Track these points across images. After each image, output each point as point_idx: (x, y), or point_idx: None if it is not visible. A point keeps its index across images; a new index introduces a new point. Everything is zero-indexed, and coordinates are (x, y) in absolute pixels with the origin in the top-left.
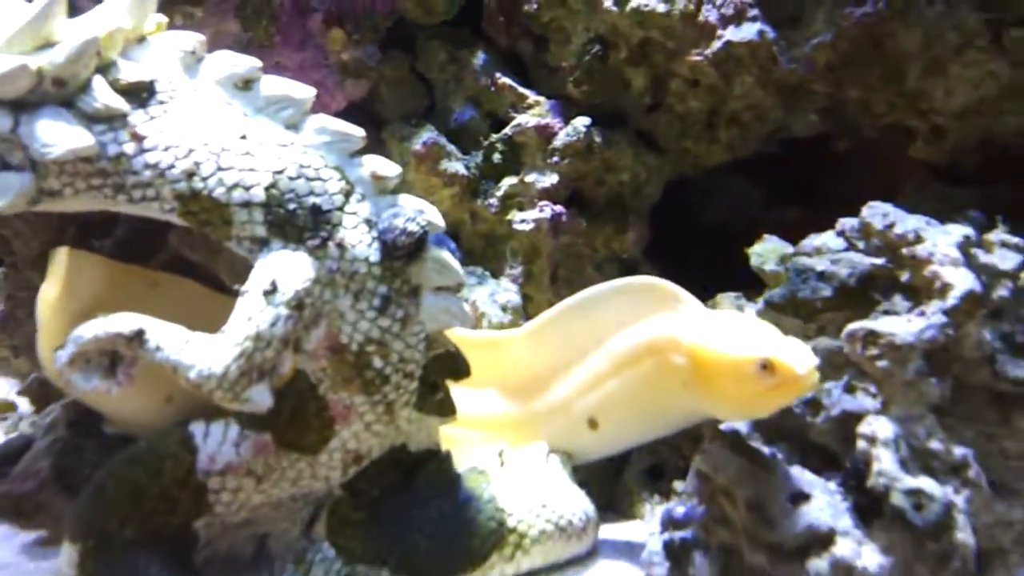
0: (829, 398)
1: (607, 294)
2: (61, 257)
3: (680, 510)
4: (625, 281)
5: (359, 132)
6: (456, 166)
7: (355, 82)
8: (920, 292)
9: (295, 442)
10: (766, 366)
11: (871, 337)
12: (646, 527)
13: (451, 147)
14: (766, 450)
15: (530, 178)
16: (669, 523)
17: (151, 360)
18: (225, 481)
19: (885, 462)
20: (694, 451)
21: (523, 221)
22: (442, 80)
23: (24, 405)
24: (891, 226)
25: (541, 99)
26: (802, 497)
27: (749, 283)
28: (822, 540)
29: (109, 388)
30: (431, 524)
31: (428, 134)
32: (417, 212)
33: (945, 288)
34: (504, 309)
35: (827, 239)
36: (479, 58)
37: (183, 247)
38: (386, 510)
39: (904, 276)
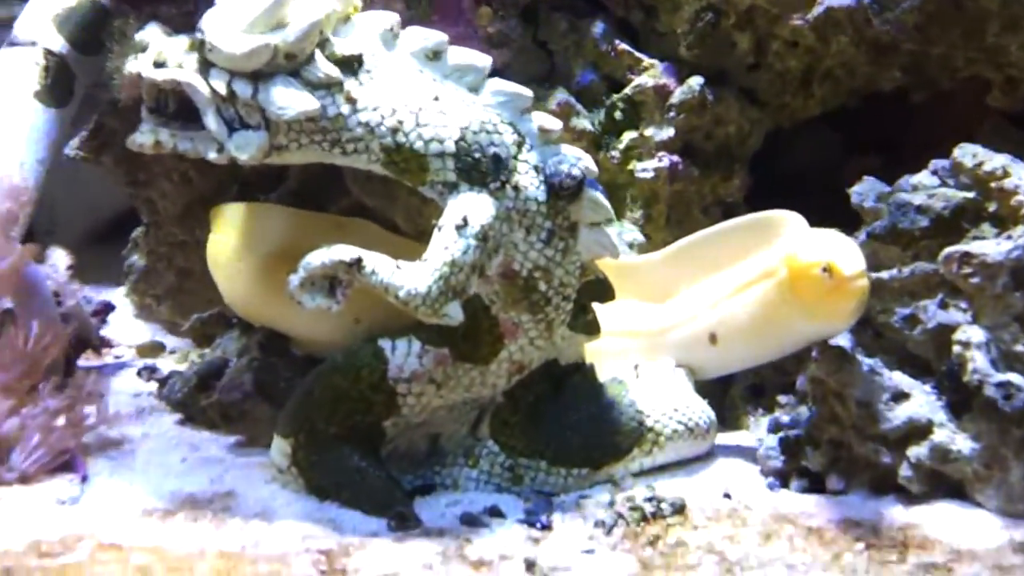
0: (925, 313)
1: (737, 225)
2: (233, 211)
3: (785, 418)
4: (753, 216)
5: (528, 92)
6: (584, 123)
7: (499, 52)
8: (1006, 220)
9: (470, 354)
10: (827, 269)
11: (965, 258)
12: (752, 436)
13: (579, 106)
14: (869, 361)
15: (649, 132)
16: (777, 427)
17: (367, 283)
18: (411, 387)
19: (979, 361)
20: (796, 370)
21: (644, 170)
22: (563, 47)
23: (170, 343)
24: (980, 164)
25: (655, 62)
26: (903, 396)
27: (835, 222)
28: (921, 430)
29: (330, 306)
30: (581, 423)
31: (561, 95)
32: (577, 159)
33: None
34: (631, 246)
35: (922, 177)
36: (598, 27)
37: (363, 194)
38: (541, 412)
39: (991, 207)
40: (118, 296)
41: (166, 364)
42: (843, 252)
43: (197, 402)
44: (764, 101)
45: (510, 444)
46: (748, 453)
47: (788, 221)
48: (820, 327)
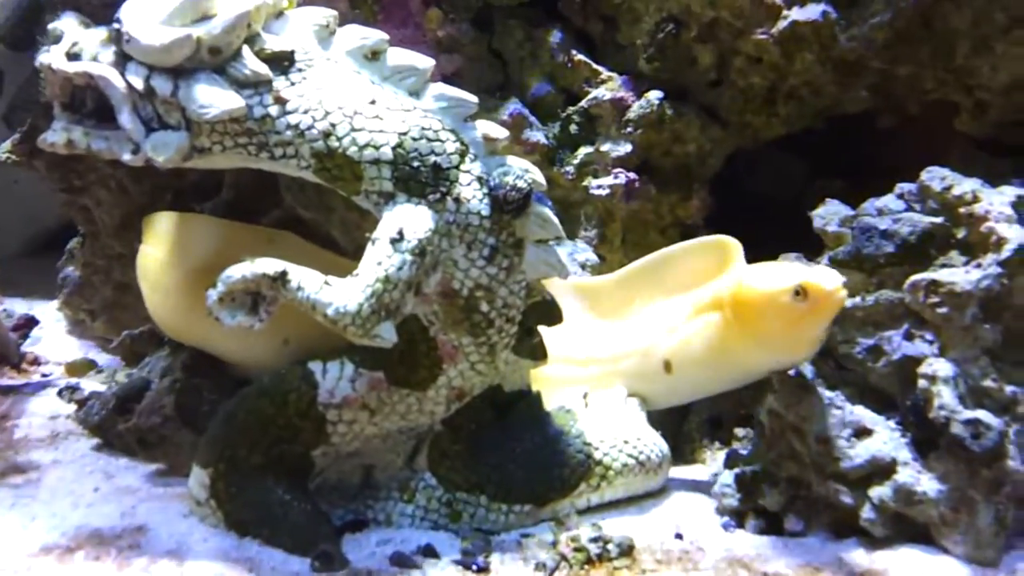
0: (889, 345)
1: (691, 248)
2: (164, 221)
3: (743, 452)
4: (703, 239)
5: (473, 99)
6: (537, 135)
7: (448, 57)
8: (975, 247)
9: (406, 379)
10: (799, 292)
11: (933, 286)
12: (708, 470)
13: (532, 118)
14: (830, 394)
15: (605, 147)
16: (735, 460)
17: (291, 299)
18: (342, 413)
19: (945, 397)
20: (754, 402)
21: (599, 187)
22: (518, 57)
23: (102, 361)
24: (949, 188)
25: (613, 75)
26: (865, 432)
27: (797, 247)
28: (884, 470)
29: (252, 324)
30: (525, 455)
31: (513, 106)
32: (524, 171)
33: (1000, 242)
34: (584, 267)
35: (888, 201)
36: (555, 36)
37: (297, 205)
38: (483, 443)
39: (960, 233)
40: (51, 310)
41: (93, 384)
42: (811, 271)
43: (115, 426)
44: (726, 119)
45: (448, 477)
46: (703, 489)
47: (736, 248)
48: (782, 358)
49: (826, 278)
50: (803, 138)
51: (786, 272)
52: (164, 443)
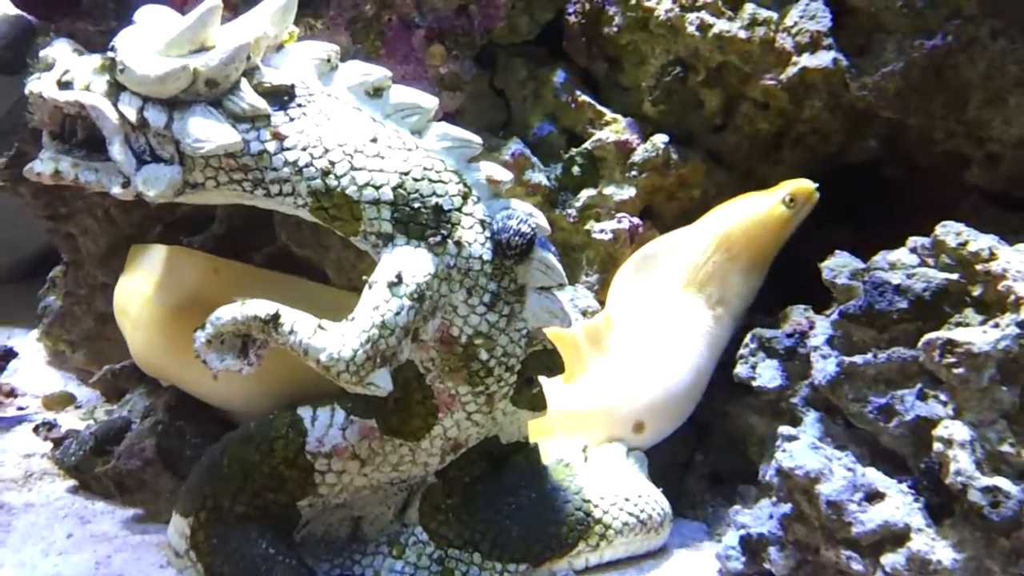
0: (902, 404)
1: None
2: (152, 253)
3: (747, 513)
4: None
5: (477, 139)
6: (539, 177)
7: (451, 95)
8: (992, 306)
9: (399, 428)
10: (792, 199)
11: (948, 346)
12: (709, 528)
13: (534, 159)
14: (839, 454)
15: (608, 191)
16: (738, 521)
17: (283, 343)
18: (331, 463)
19: (962, 462)
20: (760, 457)
21: (602, 231)
22: (521, 96)
23: (82, 395)
24: (964, 244)
25: (618, 116)
26: (877, 495)
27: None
28: (897, 536)
29: (241, 368)
30: (521, 512)
31: (516, 146)
32: (527, 215)
33: (1020, 302)
34: (585, 314)
35: (901, 255)
36: (559, 76)
37: (291, 242)
38: (477, 497)
39: (976, 291)
40: (31, 340)
41: (71, 419)
42: (785, 183)
43: (93, 467)
44: (731, 164)
45: (441, 532)
46: (705, 549)
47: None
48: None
49: (804, 182)
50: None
51: (766, 193)
52: (144, 488)
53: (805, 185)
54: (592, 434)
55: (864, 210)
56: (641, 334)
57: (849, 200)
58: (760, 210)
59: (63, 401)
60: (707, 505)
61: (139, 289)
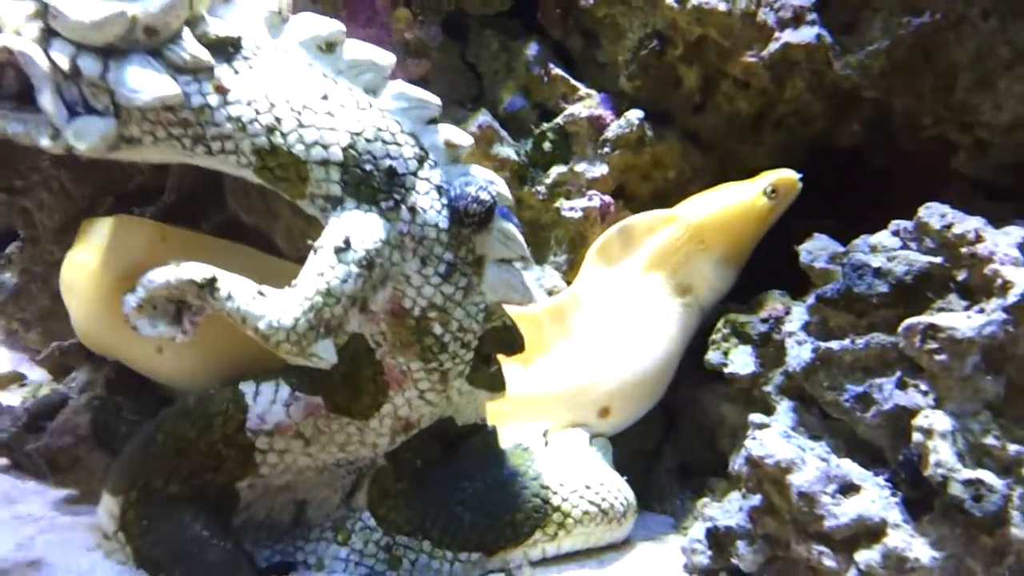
0: (880, 393)
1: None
2: (100, 226)
3: (715, 505)
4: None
5: (435, 100)
6: (508, 151)
7: (416, 62)
8: (976, 291)
9: (347, 406)
10: (775, 190)
11: (930, 331)
12: (676, 521)
13: (503, 132)
14: (812, 444)
15: (580, 167)
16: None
17: (220, 310)
18: (273, 442)
19: (943, 453)
20: (731, 448)
21: (571, 209)
22: (492, 70)
23: (34, 376)
24: (949, 226)
25: (592, 92)
26: (852, 488)
27: (781, 284)
28: (873, 531)
29: (175, 335)
30: (475, 497)
31: (483, 118)
32: (488, 182)
33: (1006, 286)
34: (551, 294)
35: (882, 238)
36: (532, 49)
37: (240, 210)
38: (429, 482)
39: (961, 275)
40: None
41: (14, 398)
42: (766, 174)
43: (24, 445)
44: (708, 145)
45: (389, 518)
46: (671, 543)
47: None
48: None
49: (786, 172)
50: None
51: (749, 183)
52: (76, 466)
53: (788, 176)
54: (555, 419)
55: (846, 199)
56: (609, 315)
57: (831, 188)
58: (740, 201)
59: (11, 380)
60: (675, 498)
61: (84, 262)
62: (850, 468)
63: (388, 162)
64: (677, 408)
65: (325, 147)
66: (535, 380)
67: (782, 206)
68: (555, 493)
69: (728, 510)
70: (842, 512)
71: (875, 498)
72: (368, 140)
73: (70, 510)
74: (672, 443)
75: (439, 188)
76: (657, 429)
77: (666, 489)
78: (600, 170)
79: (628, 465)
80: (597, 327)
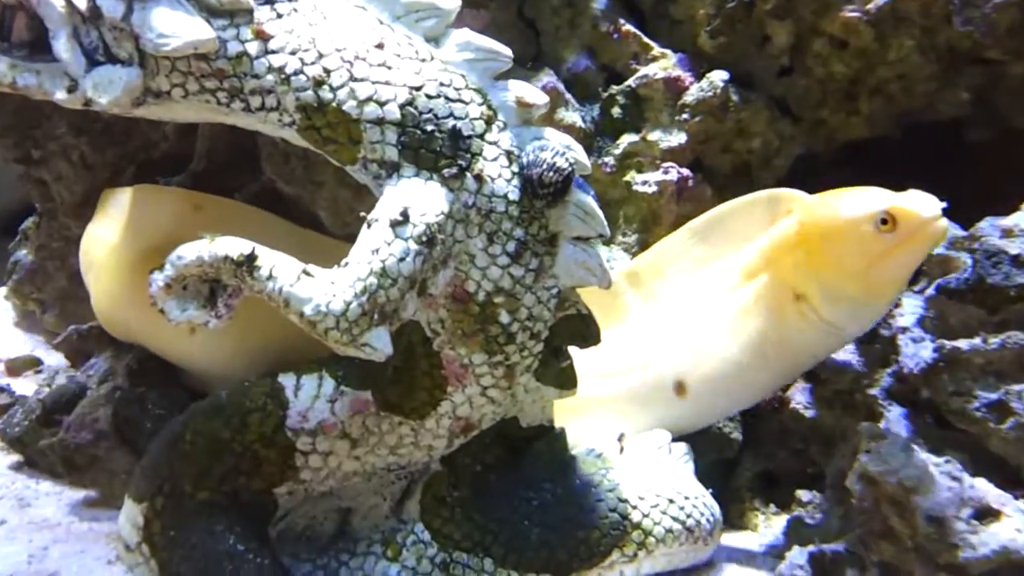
0: (1019, 401)
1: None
2: (122, 197)
3: (809, 521)
4: (747, 198)
5: (506, 51)
6: (573, 116)
7: (474, 13)
8: None
9: (399, 403)
10: (886, 220)
11: None
12: (759, 538)
13: (568, 95)
14: (939, 459)
15: (653, 136)
16: (799, 532)
17: (259, 291)
18: (316, 443)
19: None
20: (822, 457)
21: (644, 183)
22: (553, 26)
23: (51, 361)
24: None
25: (667, 51)
26: (990, 513)
27: None
28: (1017, 567)
29: (207, 320)
30: (543, 511)
31: (548, 78)
32: (565, 147)
33: None
34: None
35: (1018, 220)
36: (599, 2)
37: (278, 177)
38: (490, 491)
39: None
40: None
41: (29, 386)
42: (901, 196)
43: (38, 440)
44: (797, 113)
45: (445, 532)
46: (758, 563)
47: (797, 198)
48: (856, 295)
49: (921, 203)
50: (880, 146)
51: (869, 197)
52: (95, 465)
53: (914, 209)
54: (625, 388)
55: (941, 180)
56: (690, 292)
57: (924, 165)
58: (846, 216)
59: (27, 366)
60: (758, 511)
61: (105, 237)
62: (986, 489)
63: (452, 122)
64: (757, 409)
65: (380, 104)
66: (607, 345)
67: (906, 248)
68: (635, 508)
69: (831, 531)
70: (981, 542)
71: (1019, 526)
72: (429, 96)
73: (88, 515)
74: (751, 449)
75: (509, 154)
76: (735, 433)
77: (747, 501)
78: (677, 139)
79: (705, 474)
80: (677, 298)
